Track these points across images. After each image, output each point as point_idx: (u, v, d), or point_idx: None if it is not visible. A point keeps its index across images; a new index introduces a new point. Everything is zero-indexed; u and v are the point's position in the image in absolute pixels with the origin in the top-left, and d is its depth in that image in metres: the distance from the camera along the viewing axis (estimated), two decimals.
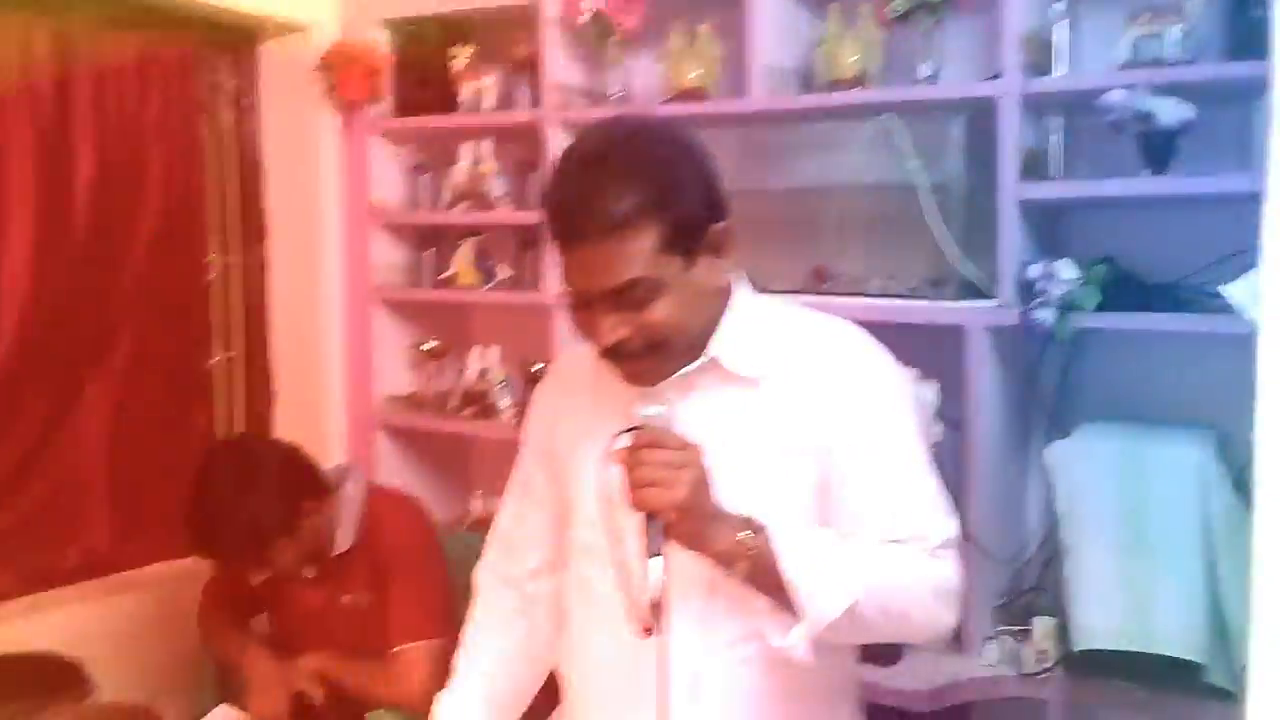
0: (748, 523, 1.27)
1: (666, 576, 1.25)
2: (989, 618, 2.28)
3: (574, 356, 1.53)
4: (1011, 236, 2.20)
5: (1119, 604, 1.99)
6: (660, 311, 1.29)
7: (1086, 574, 2.02)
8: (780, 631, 1.29)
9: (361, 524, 2.30)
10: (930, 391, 2.21)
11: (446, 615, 2.24)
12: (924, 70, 2.36)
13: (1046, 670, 2.12)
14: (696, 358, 1.36)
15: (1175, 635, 1.97)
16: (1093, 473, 2.04)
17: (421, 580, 2.26)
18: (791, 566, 1.25)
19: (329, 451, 3.10)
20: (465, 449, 3.29)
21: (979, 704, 2.31)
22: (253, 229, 3.15)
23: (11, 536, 2.53)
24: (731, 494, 1.29)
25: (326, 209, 3.14)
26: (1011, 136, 2.19)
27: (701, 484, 1.25)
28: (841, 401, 1.34)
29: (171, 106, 2.80)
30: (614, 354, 1.32)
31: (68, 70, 2.57)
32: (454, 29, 3.04)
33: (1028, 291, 2.15)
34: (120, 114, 2.68)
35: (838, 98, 2.42)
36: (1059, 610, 2.13)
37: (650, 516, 1.25)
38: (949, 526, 1.36)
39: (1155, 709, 2.05)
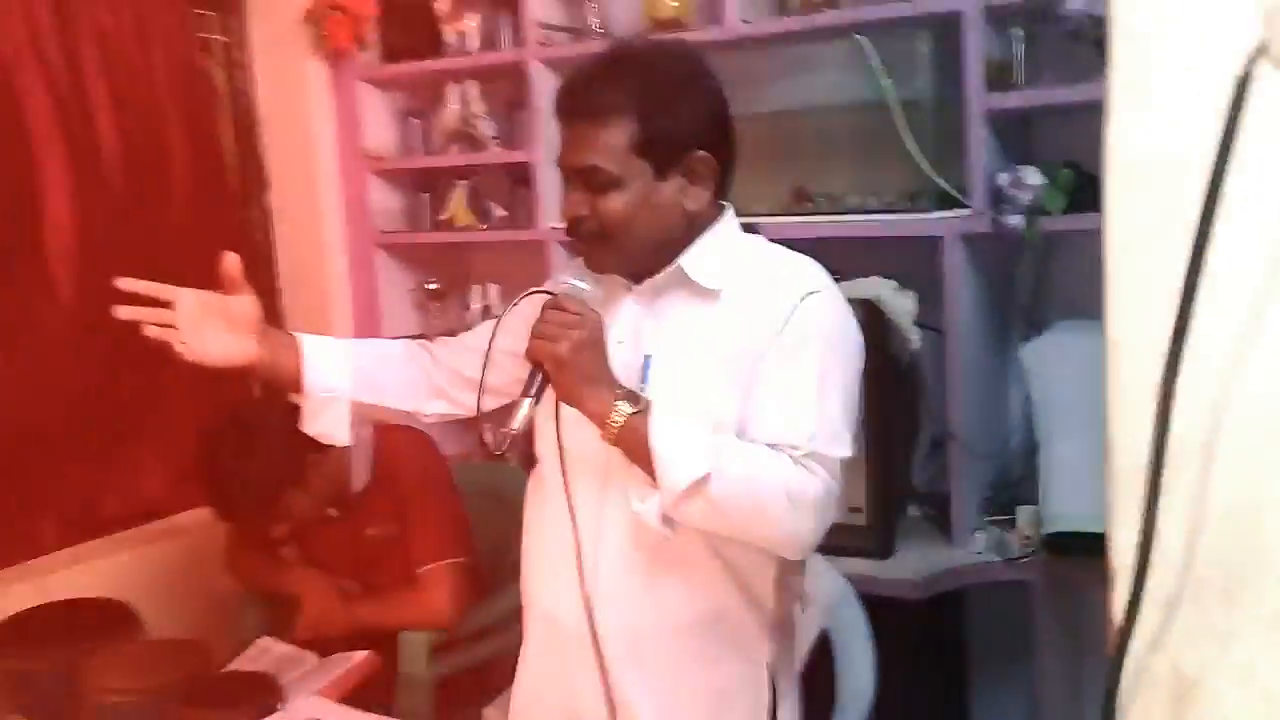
0: (630, 396, 1.40)
1: (530, 414, 1.41)
2: (976, 510, 2.41)
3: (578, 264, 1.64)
4: (980, 147, 2.29)
5: (1088, 489, 2.10)
6: (615, 204, 1.43)
7: (1058, 463, 2.14)
8: (641, 499, 1.41)
9: (375, 460, 2.42)
10: (909, 300, 2.32)
11: (464, 537, 2.38)
12: None
13: (1029, 555, 2.25)
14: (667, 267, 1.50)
15: None
16: (1064, 368, 2.15)
17: (438, 505, 2.38)
18: (656, 434, 1.37)
19: None
20: None
21: (971, 591, 2.45)
22: (254, 182, 3.23)
23: (54, 490, 2.63)
24: (671, 392, 1.43)
25: (323, 158, 3.22)
26: (976, 49, 2.27)
27: (585, 346, 1.39)
28: (778, 321, 1.44)
29: (176, 65, 2.84)
30: (572, 231, 1.48)
31: (74, 36, 2.62)
32: None
33: (998, 199, 2.25)
34: (130, 76, 2.73)
35: (810, 20, 2.49)
36: (1039, 499, 2.26)
37: (537, 366, 1.41)
38: (826, 445, 1.40)
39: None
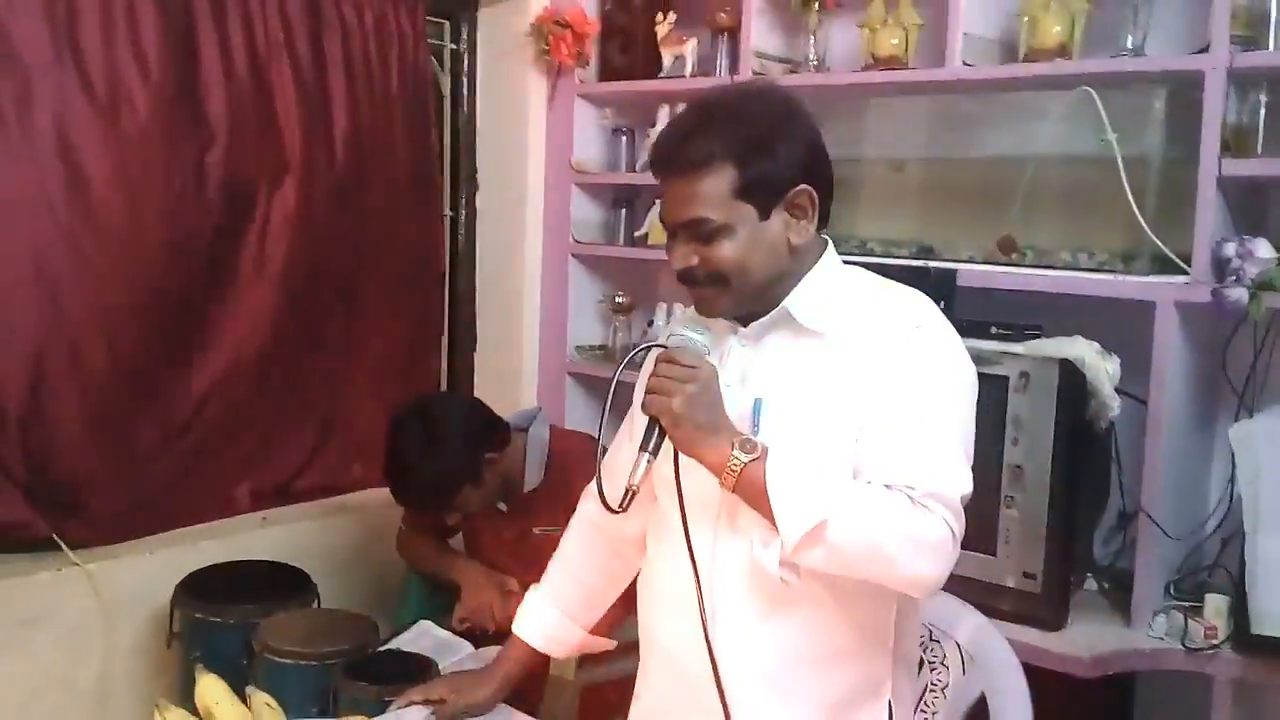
0: (745, 443, 1.39)
1: (649, 468, 1.42)
2: (1159, 592, 2.28)
3: (690, 313, 1.67)
4: (1209, 213, 2.17)
5: None
6: (725, 250, 1.44)
7: (1265, 558, 2.00)
8: (762, 544, 1.41)
9: (549, 463, 2.47)
10: (1114, 364, 2.21)
11: None
12: (1129, 41, 2.34)
13: (1214, 647, 2.12)
14: (773, 308, 1.49)
15: None
16: (1276, 455, 2.01)
17: None
18: (773, 482, 1.36)
19: (521, 394, 3.30)
20: None
21: (1143, 675, 2.31)
22: (465, 185, 3.36)
23: (253, 457, 2.80)
24: (784, 433, 1.42)
25: (532, 168, 3.32)
26: (1216, 111, 2.15)
27: (699, 398, 1.39)
28: (886, 357, 1.43)
29: (407, 69, 3.00)
30: (684, 279, 1.49)
31: (319, 31, 2.79)
32: None
33: (1221, 269, 2.13)
34: (366, 72, 2.89)
35: (1038, 69, 2.41)
36: (1232, 589, 2.12)
37: (654, 419, 1.41)
38: (944, 483, 1.38)
39: None
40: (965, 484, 1.41)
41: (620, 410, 1.62)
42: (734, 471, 1.38)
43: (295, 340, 2.83)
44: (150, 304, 2.54)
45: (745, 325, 1.51)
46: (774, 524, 1.37)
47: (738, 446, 1.39)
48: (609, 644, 1.91)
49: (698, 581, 1.47)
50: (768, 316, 1.50)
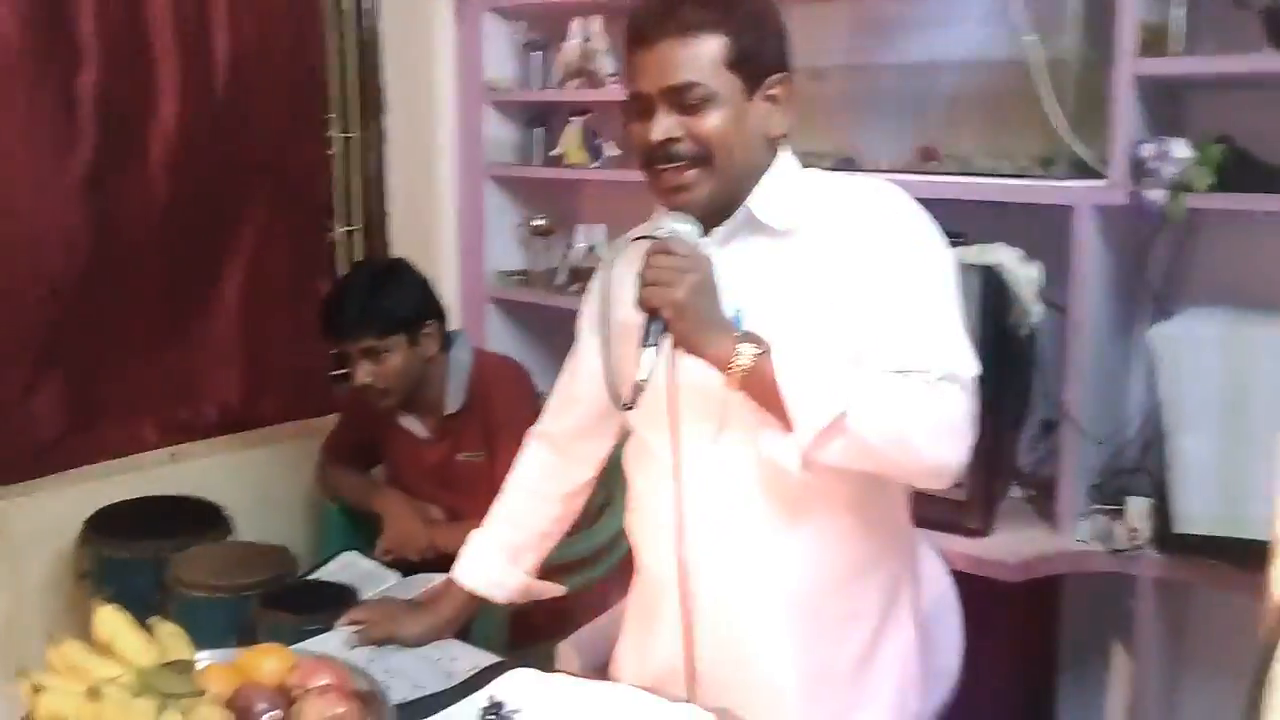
0: (749, 336, 1.33)
1: (654, 362, 1.34)
2: (1083, 496, 2.31)
3: (633, 232, 1.60)
4: (1126, 114, 2.15)
5: (1219, 490, 1.99)
6: (712, 121, 1.37)
7: (1187, 459, 2.02)
8: (774, 443, 1.34)
9: (471, 386, 2.42)
10: (1035, 270, 2.21)
11: None
12: None
13: (1137, 548, 2.15)
14: (733, 212, 1.43)
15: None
16: (1197, 357, 2.02)
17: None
18: (784, 376, 1.31)
19: None
20: (570, 323, 3.36)
21: (1069, 578, 2.35)
22: (371, 105, 3.22)
23: (155, 392, 2.68)
24: (777, 340, 1.35)
25: (441, 86, 3.21)
26: (1131, 10, 2.13)
27: (700, 289, 1.33)
28: (867, 247, 1.38)
29: None
30: (659, 158, 1.39)
31: None
32: None
33: (1139, 171, 2.12)
34: None
35: None
36: (1153, 492, 2.15)
37: (652, 314, 1.34)
38: (957, 362, 1.34)
39: (1247, 589, 2.06)
40: (975, 363, 1.36)
41: (549, 342, 1.54)
42: (742, 366, 1.31)
43: (185, 272, 2.71)
44: (27, 238, 2.40)
45: (707, 233, 1.42)
46: (785, 421, 1.31)
47: (742, 340, 1.32)
48: (556, 589, 1.86)
49: (678, 495, 1.44)
50: (732, 219, 1.43)
